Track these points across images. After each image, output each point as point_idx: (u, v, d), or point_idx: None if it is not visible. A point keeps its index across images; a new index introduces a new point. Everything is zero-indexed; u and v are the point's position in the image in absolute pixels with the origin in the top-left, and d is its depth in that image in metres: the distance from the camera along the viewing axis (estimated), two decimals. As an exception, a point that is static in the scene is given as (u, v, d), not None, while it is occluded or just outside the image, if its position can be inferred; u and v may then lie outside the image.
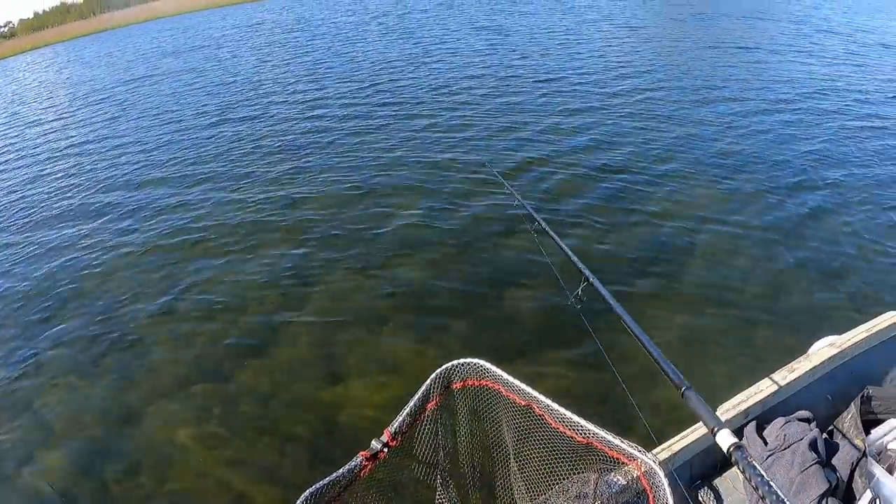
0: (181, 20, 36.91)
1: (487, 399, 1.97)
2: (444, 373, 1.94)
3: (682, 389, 1.62)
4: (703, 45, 16.93)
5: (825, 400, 2.75)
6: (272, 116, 11.77)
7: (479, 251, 5.75)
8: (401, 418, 1.86)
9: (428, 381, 1.92)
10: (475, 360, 1.93)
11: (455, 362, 1.94)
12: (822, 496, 2.21)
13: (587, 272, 2.18)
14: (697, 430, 2.30)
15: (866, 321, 2.91)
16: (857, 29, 23.00)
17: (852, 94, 11.38)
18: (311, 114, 11.47)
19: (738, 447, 1.38)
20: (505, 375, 1.88)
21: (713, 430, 1.46)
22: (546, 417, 1.81)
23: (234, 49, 21.09)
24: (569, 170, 7.55)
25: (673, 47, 16.37)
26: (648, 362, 1.74)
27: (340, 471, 1.71)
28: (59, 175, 10.64)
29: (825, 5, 26.75)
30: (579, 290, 2.19)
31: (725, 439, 1.42)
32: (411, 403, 1.89)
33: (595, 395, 3.97)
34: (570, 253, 2.37)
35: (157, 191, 8.72)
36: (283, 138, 10.16)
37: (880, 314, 2.96)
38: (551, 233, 2.61)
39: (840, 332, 2.86)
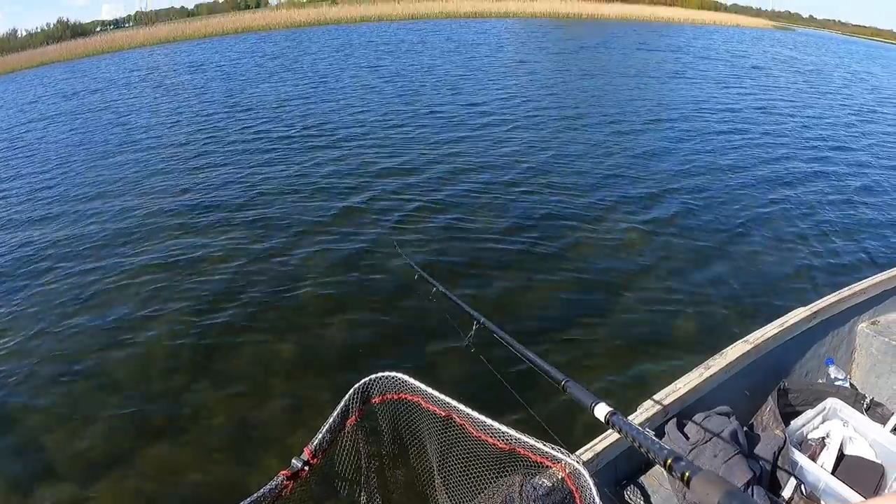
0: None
1: (408, 412, 1.94)
2: (363, 387, 1.91)
3: (563, 382, 1.75)
4: (598, 77, 19.22)
5: (743, 395, 2.85)
6: (160, 164, 10.74)
7: (380, 311, 5.52)
8: (320, 435, 1.82)
9: (346, 397, 1.89)
10: (393, 374, 1.91)
11: (373, 376, 1.91)
12: (747, 485, 2.27)
13: (477, 315, 2.30)
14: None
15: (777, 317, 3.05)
16: (735, 55, 26.65)
17: (731, 114, 14.06)
18: (196, 165, 10.42)
19: (613, 413, 1.55)
20: (423, 387, 1.87)
21: (591, 406, 1.61)
22: (467, 426, 1.80)
23: (121, 96, 19.95)
24: (449, 214, 7.49)
25: (561, 81, 18.01)
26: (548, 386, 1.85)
27: (261, 491, 1.65)
28: None
29: (704, 36, 31.60)
30: (472, 332, 2.31)
31: (602, 410, 1.58)
32: (330, 420, 1.85)
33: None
34: (459, 301, 2.49)
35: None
36: (173, 188, 9.19)
37: (791, 310, 3.11)
38: (444, 290, 2.73)
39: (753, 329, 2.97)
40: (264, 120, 13.46)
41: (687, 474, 1.19)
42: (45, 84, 26.56)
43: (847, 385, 3.18)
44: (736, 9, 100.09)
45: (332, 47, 29.92)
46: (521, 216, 7.39)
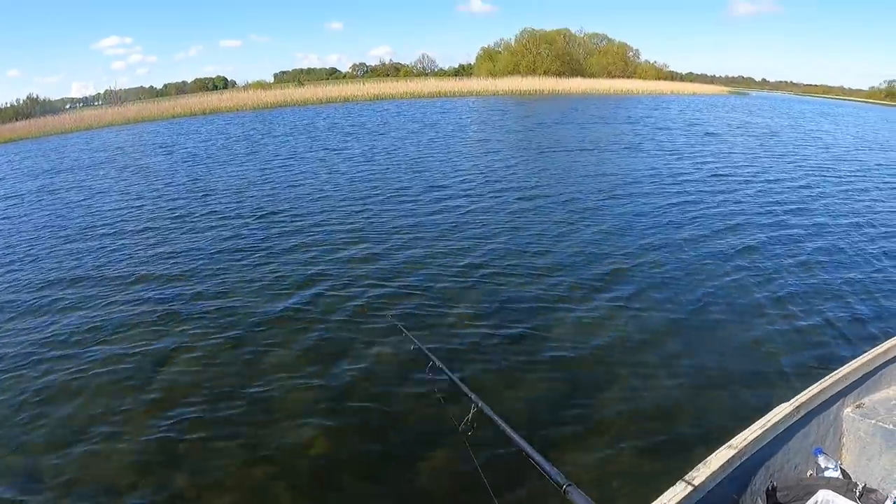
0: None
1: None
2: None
3: (564, 487, 1.74)
4: (557, 153, 19.91)
5: (730, 501, 2.78)
6: (123, 250, 10.41)
7: (359, 396, 5.35)
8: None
9: None
10: None
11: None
12: None
13: (475, 397, 2.27)
14: None
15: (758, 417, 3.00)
16: (690, 123, 28.15)
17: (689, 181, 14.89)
18: (160, 251, 10.05)
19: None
20: None
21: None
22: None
23: (89, 177, 19.70)
24: (414, 300, 7.41)
25: (521, 160, 18.61)
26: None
27: None
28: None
29: (662, 107, 33.33)
30: (469, 416, 2.27)
31: None
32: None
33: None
34: (458, 382, 2.47)
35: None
36: (136, 276, 8.82)
37: (771, 406, 3.07)
38: (442, 366, 2.68)
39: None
40: (229, 204, 13.46)
41: None
42: (12, 161, 26.46)
43: (838, 473, 3.12)
44: (692, 77, 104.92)
45: (297, 129, 30.49)
46: (489, 299, 7.37)
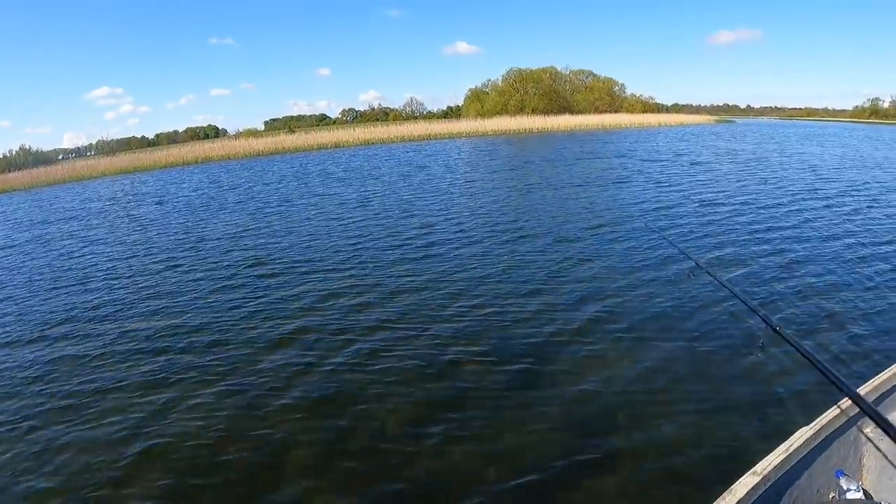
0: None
1: None
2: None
3: None
4: (544, 190, 20.07)
5: None
6: (114, 302, 10.20)
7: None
8: None
9: None
10: None
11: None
12: None
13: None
14: None
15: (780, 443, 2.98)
16: (678, 153, 28.64)
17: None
18: (151, 306, 9.74)
19: None
20: None
21: None
22: None
23: (81, 227, 19.76)
24: (418, 346, 7.27)
25: (510, 198, 18.78)
26: None
27: None
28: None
29: (649, 139, 34.13)
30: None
31: None
32: None
33: None
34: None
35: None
36: (127, 332, 8.56)
37: (791, 432, 3.05)
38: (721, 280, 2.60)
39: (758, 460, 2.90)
40: (221, 252, 13.49)
41: None
42: (6, 212, 26.65)
43: (860, 494, 3.09)
44: (678, 108, 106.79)
45: (288, 177, 30.80)
46: (486, 338, 7.36)
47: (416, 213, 16.89)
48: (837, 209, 14.87)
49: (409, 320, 8.05)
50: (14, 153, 67.88)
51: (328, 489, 4.66)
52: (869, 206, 15.15)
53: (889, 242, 11.15)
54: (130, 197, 27.99)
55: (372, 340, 7.45)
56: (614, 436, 5.15)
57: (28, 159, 64.36)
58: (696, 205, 16.10)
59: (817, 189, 18.14)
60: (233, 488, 4.75)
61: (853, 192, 17.49)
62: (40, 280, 12.45)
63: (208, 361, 7.23)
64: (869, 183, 19.53)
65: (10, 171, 51.80)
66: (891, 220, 13.34)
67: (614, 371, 6.31)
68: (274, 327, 8.18)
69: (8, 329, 9.25)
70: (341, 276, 10.62)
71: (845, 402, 3.22)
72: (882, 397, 3.49)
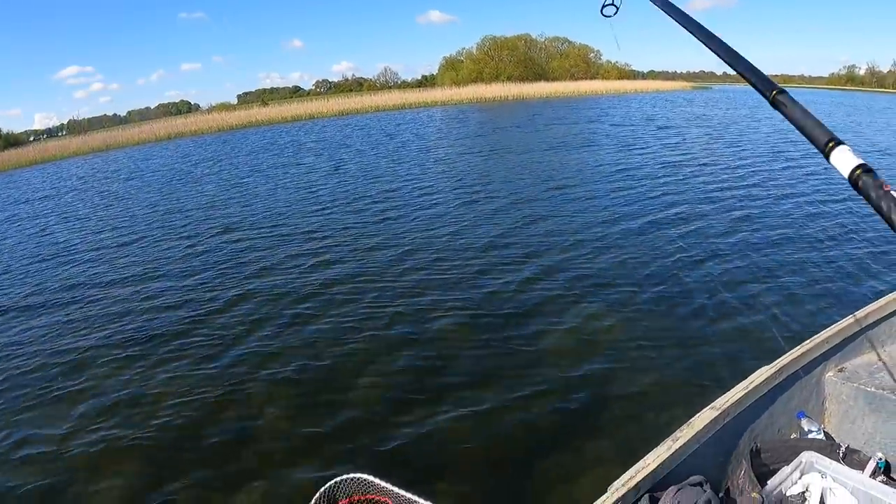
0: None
1: (377, 514, 1.95)
2: (328, 491, 1.92)
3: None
4: (512, 156, 20.27)
5: (715, 462, 2.83)
6: (86, 279, 10.02)
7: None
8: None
9: (312, 502, 1.89)
10: (359, 475, 1.93)
11: (338, 479, 1.94)
12: None
13: None
14: None
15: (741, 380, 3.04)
16: (648, 118, 28.85)
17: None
18: (125, 288, 9.33)
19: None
20: (391, 487, 1.88)
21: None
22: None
23: (55, 206, 19.53)
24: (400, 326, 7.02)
25: (481, 164, 18.98)
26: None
27: None
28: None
29: (622, 105, 34.22)
30: None
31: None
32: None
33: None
34: None
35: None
36: (104, 312, 8.31)
37: (753, 371, 3.11)
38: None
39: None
40: (195, 223, 13.52)
41: None
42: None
43: (821, 436, 3.16)
44: (653, 75, 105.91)
45: (258, 149, 30.40)
46: (451, 292, 7.54)
47: (381, 178, 17.18)
48: (797, 170, 15.18)
49: (369, 278, 8.28)
50: (-17, 136, 66.53)
51: (303, 454, 4.70)
52: (826, 168, 15.16)
53: (842, 201, 11.42)
54: (102, 175, 27.61)
55: (334, 298, 7.64)
56: (562, 380, 5.38)
57: (-3, 141, 63.10)
58: (659, 166, 16.38)
59: (781, 152, 18.34)
60: (208, 455, 4.83)
61: (817, 155, 17.53)
62: (14, 258, 12.43)
63: (177, 326, 7.38)
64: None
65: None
66: (845, 182, 13.49)
67: (575, 321, 6.51)
68: (241, 289, 8.38)
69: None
70: (308, 240, 10.86)
71: (808, 345, 3.33)
72: (844, 343, 3.56)
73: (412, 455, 4.46)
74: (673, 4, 1.94)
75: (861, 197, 1.26)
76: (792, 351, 3.27)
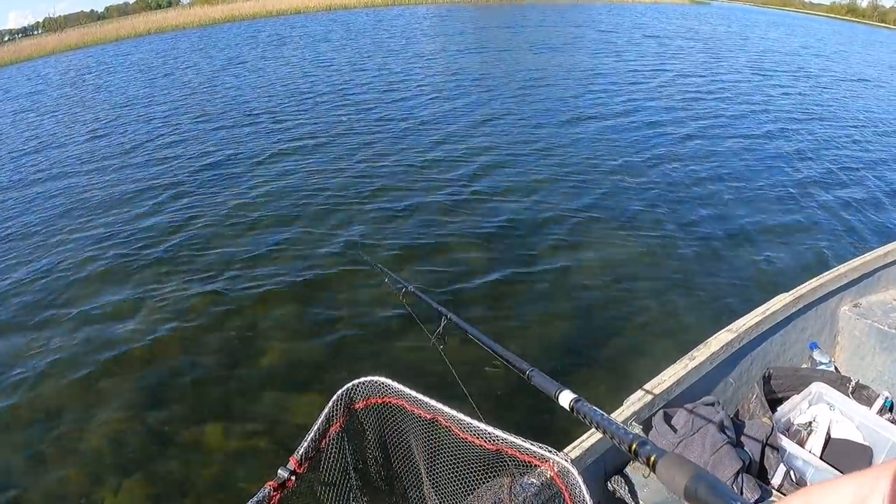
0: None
1: (393, 416, 1.92)
2: (345, 393, 1.88)
3: (528, 372, 1.69)
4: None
5: (728, 384, 2.88)
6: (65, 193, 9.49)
7: (346, 319, 5.35)
8: (305, 443, 1.77)
9: (329, 404, 1.85)
10: (376, 378, 1.88)
11: (355, 381, 1.88)
12: (737, 474, 2.29)
13: (443, 310, 2.20)
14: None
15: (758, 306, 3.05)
16: (636, 26, 31.57)
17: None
18: (105, 196, 8.99)
19: (577, 400, 1.52)
20: (407, 390, 1.84)
21: (555, 394, 1.58)
22: (453, 429, 1.78)
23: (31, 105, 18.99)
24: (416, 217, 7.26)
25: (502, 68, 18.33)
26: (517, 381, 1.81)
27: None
28: None
29: (617, 13, 33.86)
30: (439, 329, 2.22)
31: (566, 397, 1.55)
32: (314, 427, 1.81)
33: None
34: (426, 298, 2.38)
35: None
36: (87, 222, 8.06)
37: (771, 297, 3.12)
38: (412, 288, 2.57)
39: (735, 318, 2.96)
40: (171, 111, 13.71)
41: (653, 458, 1.16)
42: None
43: (832, 369, 3.21)
44: None
45: (240, 43, 29.77)
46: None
47: (350, 72, 17.35)
48: (782, 89, 15.33)
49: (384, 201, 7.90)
50: (-46, 37, 63.88)
51: (323, 338, 4.93)
52: (802, 93, 15.34)
53: (819, 119, 11.73)
54: (78, 71, 26.79)
55: (361, 222, 7.37)
56: (585, 299, 5.45)
57: (-31, 43, 60.63)
58: (631, 71, 16.60)
59: (765, 71, 18.30)
60: (209, 374, 4.85)
61: (801, 77, 17.71)
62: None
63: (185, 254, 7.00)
64: (820, 73, 19.39)
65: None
66: (830, 104, 13.66)
67: (590, 251, 6.40)
68: (235, 197, 8.22)
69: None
70: (286, 128, 11.33)
71: (826, 277, 3.29)
72: (861, 279, 3.53)
73: (422, 367, 4.44)
74: None
75: None
76: (810, 281, 3.26)
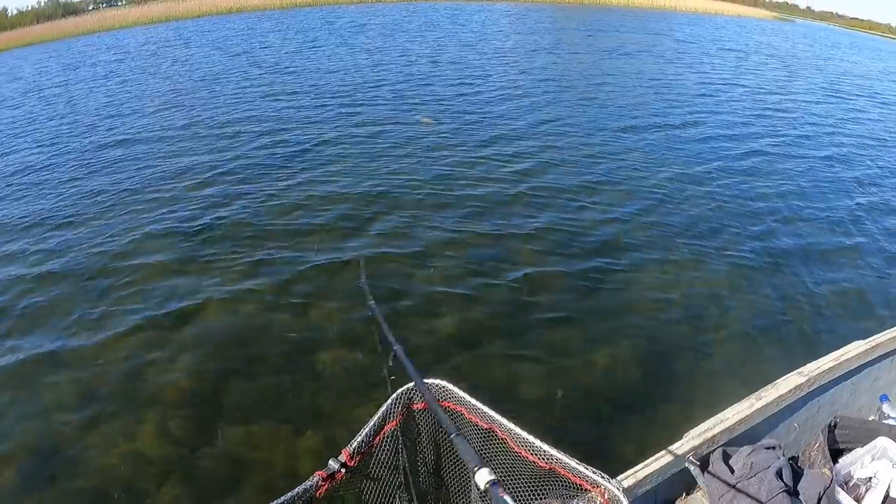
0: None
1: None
2: (406, 393, 1.89)
3: (452, 436, 1.61)
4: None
5: (792, 429, 2.80)
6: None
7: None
8: (359, 438, 1.80)
9: (388, 401, 1.87)
10: (437, 381, 1.89)
11: (417, 382, 1.89)
12: None
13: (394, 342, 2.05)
14: (663, 458, 2.29)
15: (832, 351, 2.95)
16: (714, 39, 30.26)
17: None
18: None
19: (493, 483, 1.44)
20: (468, 397, 1.85)
21: (475, 468, 1.50)
22: (509, 441, 1.78)
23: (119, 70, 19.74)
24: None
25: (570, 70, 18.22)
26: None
27: (296, 490, 1.63)
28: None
29: (695, 24, 32.72)
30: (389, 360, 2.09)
31: (483, 476, 1.46)
32: (370, 423, 1.83)
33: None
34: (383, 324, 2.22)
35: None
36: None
37: (847, 344, 3.01)
38: (377, 312, 2.40)
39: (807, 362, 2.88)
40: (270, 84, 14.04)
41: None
42: (41, 61, 26.17)
43: None
44: None
45: (321, 28, 29.88)
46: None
47: (425, 63, 17.32)
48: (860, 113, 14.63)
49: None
50: (43, 4, 65.80)
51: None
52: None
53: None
54: (158, 44, 27.67)
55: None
56: (652, 325, 5.24)
57: (57, 10, 62.42)
58: (704, 83, 16.20)
59: (839, 94, 17.35)
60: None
61: (876, 104, 16.76)
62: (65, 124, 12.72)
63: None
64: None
65: (38, 23, 50.38)
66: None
67: (668, 262, 6.26)
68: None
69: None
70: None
71: None
72: None
73: (491, 377, 4.45)
74: None
75: None
76: (888, 331, 3.12)
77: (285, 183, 8.20)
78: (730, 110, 13.17)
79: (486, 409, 1.81)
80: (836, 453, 2.75)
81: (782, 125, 12.25)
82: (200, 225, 7.10)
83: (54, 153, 10.56)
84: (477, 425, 1.84)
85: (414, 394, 1.90)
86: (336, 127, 10.77)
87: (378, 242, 6.49)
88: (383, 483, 1.93)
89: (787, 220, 7.38)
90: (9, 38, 40.24)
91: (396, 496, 1.99)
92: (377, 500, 1.93)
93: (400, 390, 1.88)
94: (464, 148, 9.50)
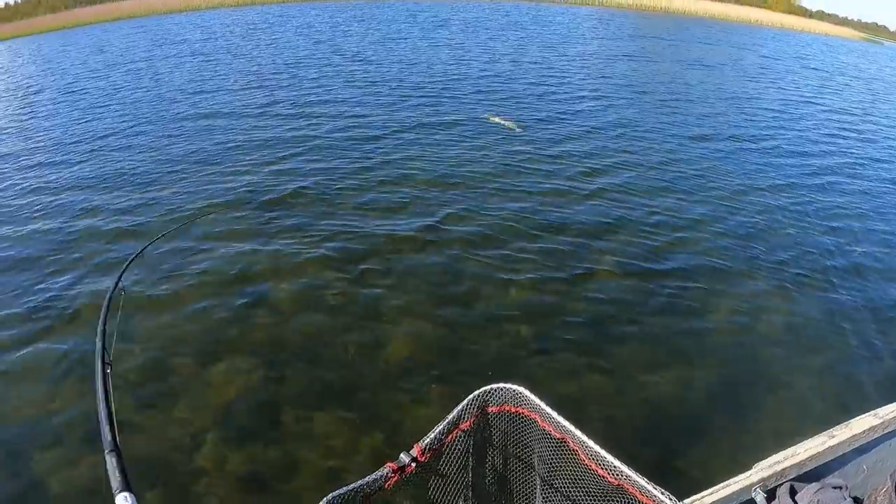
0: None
1: (522, 426, 1.94)
2: (482, 395, 1.91)
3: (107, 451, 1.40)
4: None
5: (861, 470, 2.72)
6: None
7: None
8: (432, 435, 1.83)
9: (465, 401, 1.89)
10: (514, 386, 1.90)
11: (494, 386, 1.91)
12: None
13: None
14: (731, 486, 2.27)
15: None
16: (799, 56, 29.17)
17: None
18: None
19: None
20: (543, 405, 1.85)
21: None
22: (580, 453, 1.78)
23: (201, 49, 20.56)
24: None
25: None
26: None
27: (365, 479, 1.67)
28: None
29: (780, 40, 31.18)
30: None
31: None
32: (445, 421, 1.86)
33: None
34: None
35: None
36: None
37: None
38: None
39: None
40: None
41: None
42: (130, 35, 27.21)
43: None
44: (821, 16, 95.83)
45: (403, 21, 29.95)
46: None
47: (507, 62, 16.97)
48: None
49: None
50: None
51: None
52: None
53: None
54: (242, 26, 28.44)
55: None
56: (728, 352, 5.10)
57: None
58: (784, 100, 15.65)
59: None
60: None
61: None
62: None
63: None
64: None
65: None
66: None
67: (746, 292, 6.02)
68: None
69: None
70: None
71: None
72: None
73: (560, 386, 4.42)
74: None
75: None
76: None
77: (361, 164, 8.41)
78: (811, 127, 12.84)
79: (560, 418, 1.82)
80: (902, 500, 2.66)
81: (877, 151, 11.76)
82: (275, 197, 7.36)
83: (142, 121, 11.18)
84: (549, 434, 1.85)
85: (490, 396, 1.92)
86: (413, 117, 10.88)
87: (452, 235, 6.54)
88: (450, 482, 1.95)
89: (879, 257, 6.98)
90: (98, 11, 41.51)
91: (462, 496, 2.02)
92: (442, 498, 1.96)
93: (477, 391, 1.90)
94: (539, 146, 9.54)
